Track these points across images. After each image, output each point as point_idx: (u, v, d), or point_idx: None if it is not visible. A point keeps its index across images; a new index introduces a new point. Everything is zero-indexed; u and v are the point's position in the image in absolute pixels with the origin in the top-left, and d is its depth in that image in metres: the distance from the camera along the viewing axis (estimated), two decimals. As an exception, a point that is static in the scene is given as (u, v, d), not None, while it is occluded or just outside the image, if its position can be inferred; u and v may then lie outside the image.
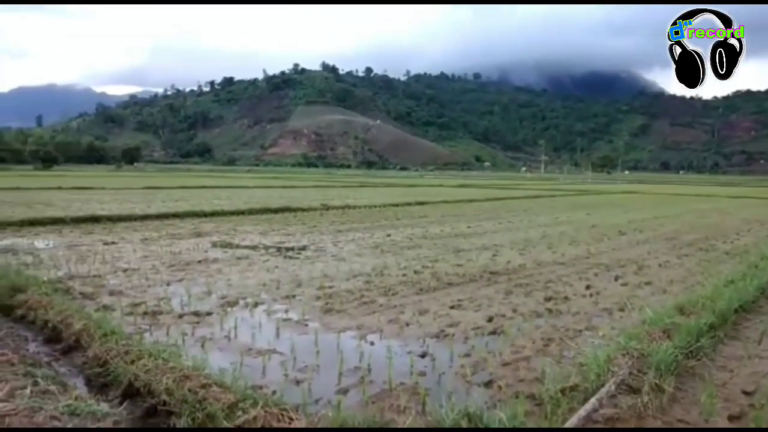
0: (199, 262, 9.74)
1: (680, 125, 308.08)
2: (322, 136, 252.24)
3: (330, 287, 7.86)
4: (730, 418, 4.01)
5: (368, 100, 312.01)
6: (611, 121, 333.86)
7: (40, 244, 11.75)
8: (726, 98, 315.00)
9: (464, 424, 3.45)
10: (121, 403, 3.85)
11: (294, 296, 7.40)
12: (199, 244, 11.88)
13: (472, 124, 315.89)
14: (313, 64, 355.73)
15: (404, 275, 8.76)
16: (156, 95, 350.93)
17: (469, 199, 30.48)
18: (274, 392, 4.15)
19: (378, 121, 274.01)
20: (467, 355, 5.21)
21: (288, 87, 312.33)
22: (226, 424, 3.39)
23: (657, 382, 4.33)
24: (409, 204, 25.09)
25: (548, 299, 7.40)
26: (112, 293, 7.31)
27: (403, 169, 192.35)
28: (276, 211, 19.98)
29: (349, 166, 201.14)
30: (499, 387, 4.45)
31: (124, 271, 8.82)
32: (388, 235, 13.75)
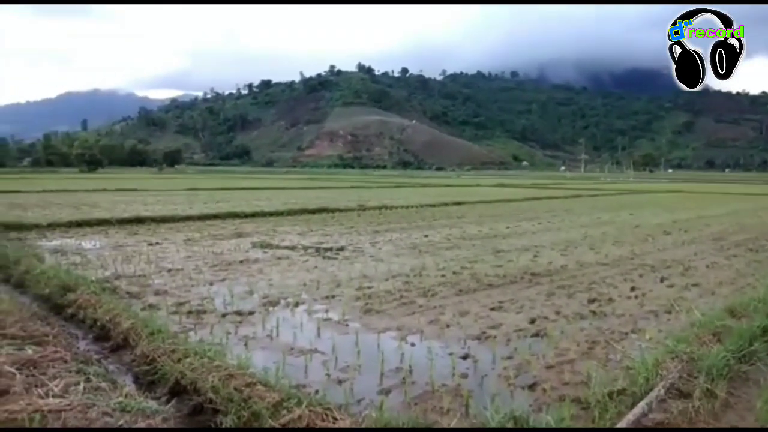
0: (241, 262, 9.90)
1: (726, 122, 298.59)
2: (358, 137, 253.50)
3: (369, 288, 7.88)
4: (789, 425, 3.85)
5: (404, 101, 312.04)
6: (653, 118, 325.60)
7: (87, 244, 12.12)
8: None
9: (510, 426, 3.41)
10: (168, 401, 3.93)
11: (334, 296, 7.44)
12: (240, 244, 12.07)
13: (509, 122, 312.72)
14: (349, 66, 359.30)
15: (443, 276, 8.71)
16: (196, 99, 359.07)
17: (508, 199, 30.16)
18: (316, 391, 4.17)
19: (414, 122, 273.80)
20: (510, 357, 5.14)
21: (324, 89, 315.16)
22: (271, 423, 3.42)
23: (709, 387, 4.20)
24: (446, 204, 24.97)
25: (592, 301, 7.25)
26: (157, 293, 7.48)
27: (439, 169, 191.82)
28: (314, 211, 20.14)
29: (384, 167, 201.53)
30: (544, 390, 4.38)
31: (169, 271, 9.02)
32: (426, 236, 13.70)
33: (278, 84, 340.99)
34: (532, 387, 4.48)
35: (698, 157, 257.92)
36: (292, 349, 5.36)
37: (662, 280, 8.75)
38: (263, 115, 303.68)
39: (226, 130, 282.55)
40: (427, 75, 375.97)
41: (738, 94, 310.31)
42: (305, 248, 11.63)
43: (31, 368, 4.14)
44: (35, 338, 4.92)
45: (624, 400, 4.01)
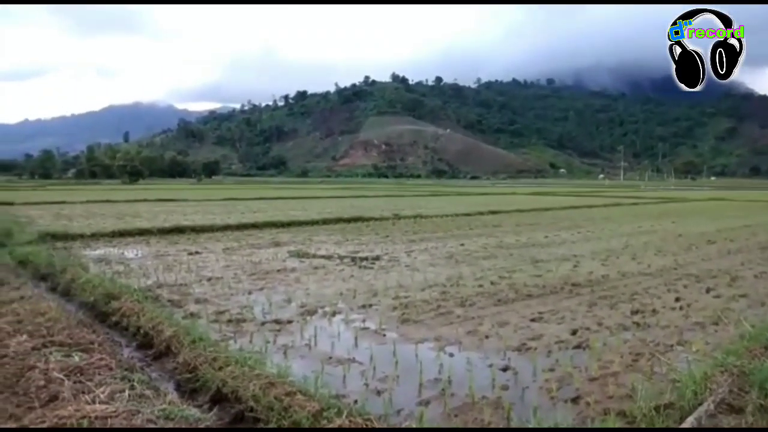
0: (278, 271, 9.99)
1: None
2: (392, 146, 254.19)
3: (405, 297, 7.85)
4: None
5: (438, 109, 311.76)
6: (695, 124, 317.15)
7: (130, 253, 12.42)
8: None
9: None
10: (210, 409, 3.98)
11: (370, 306, 7.44)
12: (277, 253, 12.19)
13: (545, 130, 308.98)
14: (383, 76, 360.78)
15: (480, 286, 8.62)
16: (234, 110, 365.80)
17: (545, 207, 29.72)
18: (355, 401, 4.17)
19: (448, 130, 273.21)
20: (551, 369, 5.04)
21: (359, 99, 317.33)
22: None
23: (762, 402, 4.03)
24: (481, 213, 24.76)
25: (635, 312, 7.07)
26: (198, 301, 7.61)
27: (474, 177, 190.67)
28: (349, 221, 20.22)
29: (419, 176, 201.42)
30: (587, 403, 4.27)
31: (209, 279, 9.16)
32: (462, 245, 13.60)
33: (313, 95, 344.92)
34: (575, 400, 4.38)
35: (742, 164, 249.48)
36: (330, 358, 5.37)
37: (708, 290, 8.47)
38: (299, 125, 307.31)
39: (262, 140, 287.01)
40: (461, 83, 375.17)
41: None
42: (341, 257, 11.67)
43: (79, 375, 4.25)
44: (82, 345, 5.05)
45: (671, 414, 3.89)
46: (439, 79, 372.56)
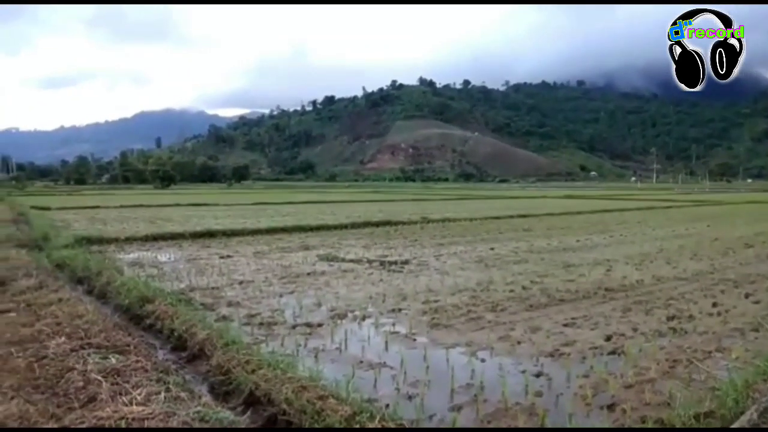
0: (308, 274, 10.06)
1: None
2: (420, 150, 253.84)
3: (435, 301, 7.81)
4: None
5: (466, 113, 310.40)
6: (730, 125, 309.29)
7: (162, 257, 12.64)
8: None
9: None
10: (243, 411, 4.02)
11: (400, 310, 7.43)
12: (306, 257, 12.27)
13: (576, 132, 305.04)
14: (410, 79, 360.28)
15: (512, 291, 8.53)
16: (263, 116, 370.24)
17: (576, 211, 29.30)
18: (387, 406, 4.16)
19: (476, 133, 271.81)
20: (585, 375, 4.96)
21: (386, 103, 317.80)
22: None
23: (808, 412, 3.89)
24: (511, 217, 24.55)
25: (671, 318, 6.91)
26: (229, 304, 7.70)
27: (502, 181, 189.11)
28: (377, 224, 20.25)
29: (446, 180, 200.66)
30: (623, 410, 4.19)
31: (240, 283, 9.27)
32: (492, 249, 13.49)
33: (341, 100, 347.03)
34: (610, 407, 4.30)
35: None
36: (360, 362, 5.38)
37: (747, 296, 8.24)
38: (326, 130, 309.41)
39: (291, 145, 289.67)
40: (489, 86, 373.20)
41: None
42: (370, 261, 11.68)
43: (116, 376, 4.33)
44: (118, 348, 5.15)
45: (712, 423, 3.79)
46: (466, 82, 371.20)
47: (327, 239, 15.80)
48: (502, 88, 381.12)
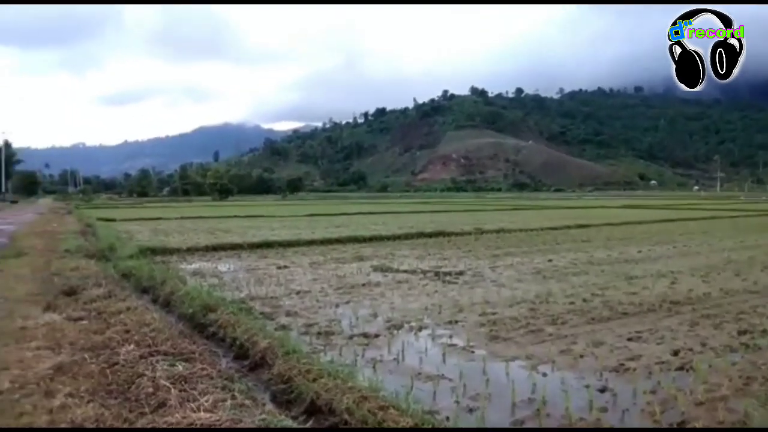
0: (363, 285, 10.11)
1: None
2: (471, 160, 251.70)
3: (492, 314, 7.71)
4: None
5: (519, 121, 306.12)
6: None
7: (222, 267, 12.98)
8: None
9: None
10: (306, 420, 4.07)
11: (457, 321, 7.37)
12: (361, 268, 12.35)
13: (634, 140, 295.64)
14: (462, 89, 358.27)
15: (572, 303, 8.33)
16: (316, 129, 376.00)
17: (637, 221, 28.38)
18: (447, 418, 4.13)
19: (530, 142, 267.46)
20: (653, 391, 4.77)
21: (437, 114, 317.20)
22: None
23: None
24: (568, 227, 23.98)
25: (743, 332, 6.59)
26: (288, 314, 7.82)
27: (558, 190, 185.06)
28: (430, 235, 20.17)
29: (499, 189, 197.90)
30: (695, 429, 4.01)
31: (297, 293, 9.41)
32: (549, 260, 13.21)
33: (392, 111, 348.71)
34: (681, 425, 4.13)
35: None
36: (419, 374, 5.35)
37: (827, 311, 7.77)
38: (378, 141, 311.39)
39: (343, 157, 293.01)
40: (543, 94, 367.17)
41: None
42: (424, 272, 11.64)
43: (183, 383, 4.47)
44: (184, 355, 5.32)
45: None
46: (519, 91, 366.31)
47: (380, 250, 15.86)
48: (556, 96, 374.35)
